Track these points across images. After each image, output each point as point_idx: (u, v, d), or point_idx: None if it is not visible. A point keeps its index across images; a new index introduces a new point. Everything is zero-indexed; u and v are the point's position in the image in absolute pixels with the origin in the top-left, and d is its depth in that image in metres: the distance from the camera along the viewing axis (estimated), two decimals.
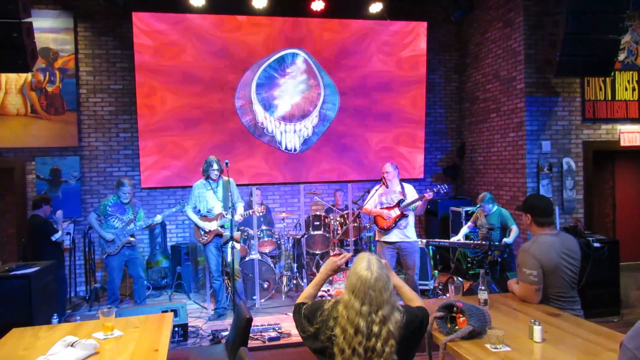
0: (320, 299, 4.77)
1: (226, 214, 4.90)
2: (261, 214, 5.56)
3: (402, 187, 4.87)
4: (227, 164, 4.80)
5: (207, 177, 5.02)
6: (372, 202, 4.90)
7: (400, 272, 5.08)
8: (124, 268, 5.14)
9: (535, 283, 2.67)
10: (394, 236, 4.76)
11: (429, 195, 4.64)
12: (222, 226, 4.97)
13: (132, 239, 5.05)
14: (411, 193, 4.85)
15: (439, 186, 4.77)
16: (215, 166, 4.94)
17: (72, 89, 6.33)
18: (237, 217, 4.96)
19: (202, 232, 5.01)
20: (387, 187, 4.85)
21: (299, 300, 2.04)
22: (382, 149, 7.27)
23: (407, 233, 4.76)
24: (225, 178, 4.98)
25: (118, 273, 5.01)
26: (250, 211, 5.23)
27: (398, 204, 4.74)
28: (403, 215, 4.72)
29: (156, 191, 6.70)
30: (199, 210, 5.03)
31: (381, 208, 4.83)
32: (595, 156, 6.14)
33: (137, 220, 5.11)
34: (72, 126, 6.34)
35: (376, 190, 4.90)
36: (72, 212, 6.24)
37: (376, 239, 5.04)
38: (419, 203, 4.68)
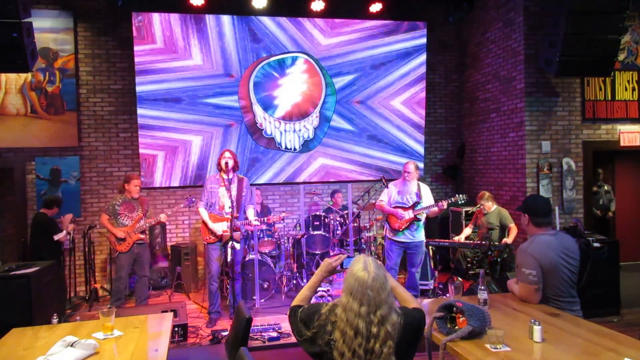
0: (319, 300, 4.76)
1: (236, 216, 4.65)
2: (279, 221, 5.48)
3: (419, 188, 4.90)
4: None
5: (221, 169, 4.78)
6: (387, 199, 4.92)
7: (403, 272, 5.11)
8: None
9: (535, 283, 2.67)
10: (403, 237, 4.83)
11: (441, 205, 4.69)
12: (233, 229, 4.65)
13: (142, 236, 5.03)
14: (427, 195, 4.90)
15: (457, 195, 4.86)
16: (227, 154, 4.76)
17: (72, 89, 6.33)
18: (253, 220, 4.82)
19: (210, 232, 4.81)
20: (403, 184, 4.88)
21: (294, 303, 2.01)
22: (382, 149, 7.27)
23: (417, 234, 4.84)
24: (240, 176, 4.91)
25: (127, 271, 4.99)
26: (280, 215, 5.17)
27: (413, 207, 4.76)
28: (416, 219, 4.75)
29: (156, 191, 6.70)
30: (210, 206, 4.81)
31: (395, 207, 4.85)
32: (595, 156, 6.13)
33: (147, 217, 5.11)
34: (72, 126, 6.34)
35: (395, 186, 4.92)
36: (71, 212, 6.22)
37: (384, 234, 5.09)
38: (434, 209, 4.72)
